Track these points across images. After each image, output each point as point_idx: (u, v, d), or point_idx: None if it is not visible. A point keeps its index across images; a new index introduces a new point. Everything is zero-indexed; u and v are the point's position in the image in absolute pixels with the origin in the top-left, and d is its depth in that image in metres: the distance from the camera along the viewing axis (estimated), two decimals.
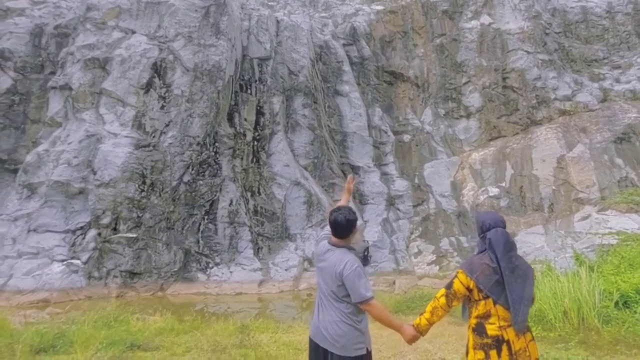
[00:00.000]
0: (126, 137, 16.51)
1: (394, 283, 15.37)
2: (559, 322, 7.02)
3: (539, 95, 21.92)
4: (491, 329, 3.03)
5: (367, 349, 3.42)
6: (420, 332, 3.30)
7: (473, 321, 3.15)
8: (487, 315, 3.07)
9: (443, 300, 3.22)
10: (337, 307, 3.37)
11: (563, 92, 21.81)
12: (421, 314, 3.34)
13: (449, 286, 3.23)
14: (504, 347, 2.99)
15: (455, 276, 3.24)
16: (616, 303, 7.11)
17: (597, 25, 24.16)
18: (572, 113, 21.27)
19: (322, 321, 3.41)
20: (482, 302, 3.09)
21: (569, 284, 7.45)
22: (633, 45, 23.52)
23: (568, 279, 7.69)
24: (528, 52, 22.67)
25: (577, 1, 24.98)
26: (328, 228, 3.61)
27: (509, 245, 3.15)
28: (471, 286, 3.13)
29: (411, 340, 3.32)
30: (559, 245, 15.36)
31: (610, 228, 14.99)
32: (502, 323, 3.02)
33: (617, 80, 22.46)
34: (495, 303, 3.04)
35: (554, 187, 18.80)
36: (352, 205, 19.51)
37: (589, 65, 23.42)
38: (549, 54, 22.99)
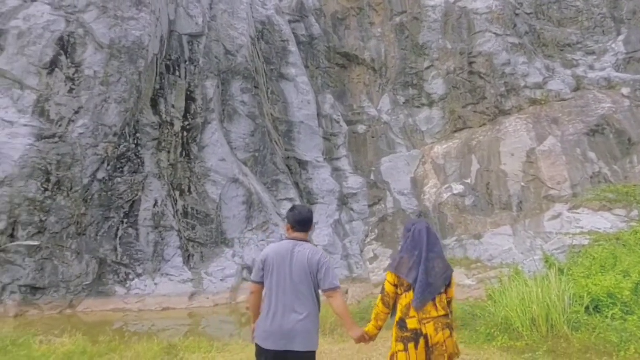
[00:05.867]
0: (26, 126, 15.71)
1: (346, 292, 15.51)
2: (526, 330, 7.28)
3: (508, 83, 22.66)
4: (411, 322, 3.73)
5: None
6: (371, 337, 4.00)
7: (398, 316, 3.85)
8: (408, 308, 3.77)
9: (381, 304, 3.96)
10: (310, 300, 3.94)
11: (534, 79, 22.64)
12: (369, 321, 4.07)
13: (382, 290, 4.01)
14: (422, 340, 3.67)
15: (385, 279, 4.02)
16: (587, 308, 7.48)
17: (571, 7, 25.25)
18: (543, 103, 22.13)
19: (288, 322, 3.85)
20: (404, 295, 3.83)
21: (538, 288, 7.74)
22: (608, 30, 24.72)
23: (537, 283, 8.00)
24: (497, 35, 23.39)
25: None
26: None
27: (433, 236, 3.96)
28: (396, 281, 3.90)
29: (358, 340, 3.99)
30: (528, 247, 15.96)
31: (582, 228, 15.72)
32: (422, 316, 3.73)
33: (591, 67, 23.56)
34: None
35: (523, 184, 19.50)
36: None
37: (562, 50, 24.44)
38: (519, 37, 23.81)
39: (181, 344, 8.60)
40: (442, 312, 3.76)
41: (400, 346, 3.73)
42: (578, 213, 16.95)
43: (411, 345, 3.67)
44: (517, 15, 24.63)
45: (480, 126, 22.48)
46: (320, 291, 4.05)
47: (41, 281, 14.77)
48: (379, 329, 3.98)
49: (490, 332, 7.71)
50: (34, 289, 14.70)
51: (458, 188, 20.29)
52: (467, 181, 20.61)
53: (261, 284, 4.09)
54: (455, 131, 22.93)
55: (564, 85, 22.58)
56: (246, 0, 22.69)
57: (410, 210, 20.28)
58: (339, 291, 3.96)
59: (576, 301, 7.56)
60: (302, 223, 4.15)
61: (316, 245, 18.74)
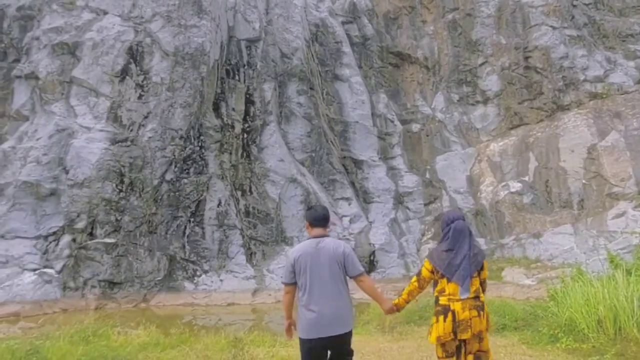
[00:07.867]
0: (101, 131, 16.55)
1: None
2: (592, 332, 7.05)
3: (566, 77, 21.82)
4: (442, 300, 4.38)
5: None
6: (398, 309, 4.66)
7: (435, 294, 4.50)
8: (442, 291, 4.40)
9: (415, 284, 4.58)
10: (342, 287, 4.35)
11: (594, 72, 21.69)
12: (399, 295, 4.70)
13: (419, 273, 4.63)
14: (449, 315, 4.28)
15: (423, 265, 4.63)
16: None
17: None
18: (604, 96, 21.18)
19: (325, 310, 4.23)
20: (440, 280, 4.42)
21: (604, 289, 7.48)
22: None
23: (602, 283, 7.73)
24: (553, 28, 22.56)
25: None
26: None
27: (470, 234, 4.49)
28: (432, 269, 4.48)
29: (389, 311, 4.64)
30: (591, 247, 15.39)
31: None
32: (451, 297, 4.32)
33: None
34: (448, 281, 4.34)
35: (584, 181, 18.79)
36: (355, 204, 19.64)
37: (624, 41, 23.20)
38: (578, 29, 22.87)
39: (246, 337, 8.76)
40: (471, 295, 4.30)
41: (434, 319, 4.40)
42: None
43: (441, 318, 4.29)
44: (574, 6, 23.65)
45: (537, 122, 21.76)
46: (348, 277, 4.43)
47: (118, 276, 15.56)
48: (408, 302, 4.67)
49: (553, 333, 7.52)
50: (112, 284, 15.51)
51: (515, 186, 19.78)
52: (524, 179, 20.04)
53: (293, 284, 4.43)
54: (511, 128, 22.31)
55: (627, 77, 21.51)
56: (300, 4, 22.89)
57: (467, 208, 19.94)
58: (365, 275, 4.47)
59: None
60: (319, 219, 4.54)
61: (370, 244, 18.85)
